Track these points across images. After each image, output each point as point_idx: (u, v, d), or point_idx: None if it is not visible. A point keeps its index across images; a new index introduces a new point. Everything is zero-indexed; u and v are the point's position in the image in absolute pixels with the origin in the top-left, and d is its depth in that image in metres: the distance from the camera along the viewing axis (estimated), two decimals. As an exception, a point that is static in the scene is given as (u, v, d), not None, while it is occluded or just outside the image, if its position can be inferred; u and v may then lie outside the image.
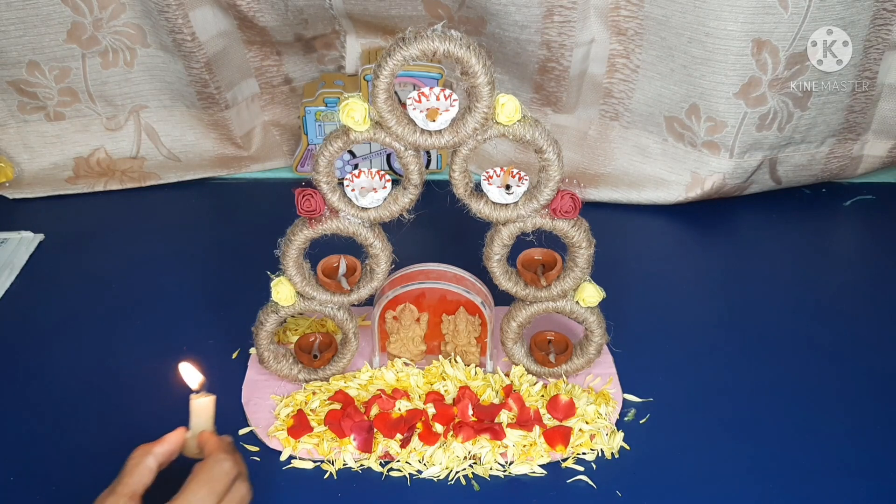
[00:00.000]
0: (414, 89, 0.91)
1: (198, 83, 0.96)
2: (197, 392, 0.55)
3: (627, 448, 0.63)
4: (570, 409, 0.65)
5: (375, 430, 0.63)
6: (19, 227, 0.92)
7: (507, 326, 0.67)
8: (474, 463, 0.62)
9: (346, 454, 0.62)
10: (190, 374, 0.56)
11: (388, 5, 0.92)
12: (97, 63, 0.95)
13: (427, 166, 1.02)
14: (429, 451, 0.62)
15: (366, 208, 0.60)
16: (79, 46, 0.93)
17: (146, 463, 0.52)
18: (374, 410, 0.64)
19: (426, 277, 0.67)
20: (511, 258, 0.65)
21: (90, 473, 0.61)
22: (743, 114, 0.87)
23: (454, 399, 0.66)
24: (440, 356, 0.70)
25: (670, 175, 0.95)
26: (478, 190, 0.61)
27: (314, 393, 0.67)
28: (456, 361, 0.69)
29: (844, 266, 0.89)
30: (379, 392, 0.66)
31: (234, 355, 0.73)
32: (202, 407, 0.54)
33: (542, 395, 0.67)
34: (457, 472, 0.61)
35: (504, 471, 0.61)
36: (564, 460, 0.62)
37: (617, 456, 0.63)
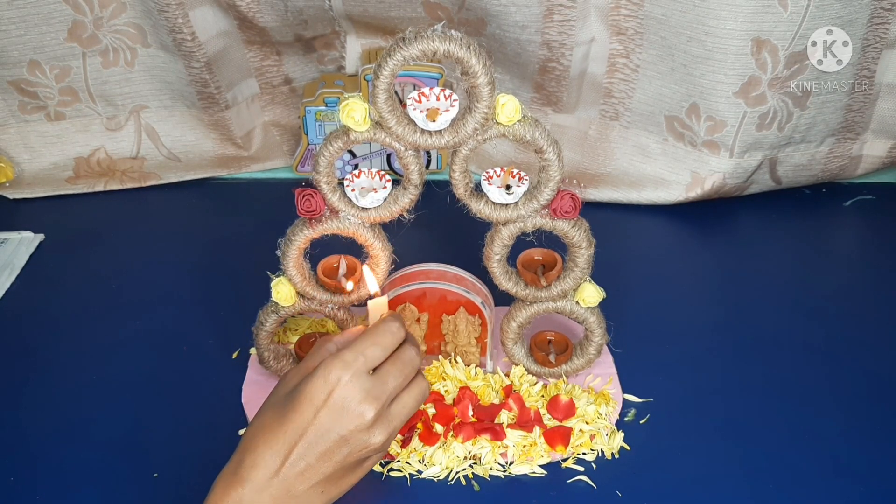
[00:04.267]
0: (414, 89, 0.91)
1: (198, 83, 0.96)
2: (372, 297, 0.57)
3: (627, 448, 0.63)
4: (570, 410, 0.65)
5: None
6: (19, 227, 0.92)
7: (508, 327, 0.67)
8: (474, 463, 0.62)
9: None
10: (370, 279, 0.59)
11: (388, 7, 0.92)
12: (97, 62, 0.95)
13: (427, 166, 1.02)
14: (429, 452, 0.62)
15: (366, 208, 0.60)
16: (79, 45, 0.93)
17: (327, 347, 0.55)
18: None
19: (426, 277, 0.67)
20: (511, 258, 0.65)
21: (90, 474, 0.62)
22: (743, 113, 0.87)
23: (454, 399, 0.66)
24: (440, 356, 0.71)
25: (670, 175, 0.95)
26: (478, 190, 0.61)
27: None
28: (456, 361, 0.69)
29: (845, 266, 0.89)
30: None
31: (235, 355, 0.73)
32: (379, 306, 0.56)
33: (543, 396, 0.67)
34: (457, 473, 0.61)
35: (504, 471, 0.61)
36: (564, 460, 0.62)
37: (617, 456, 0.63)
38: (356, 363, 0.51)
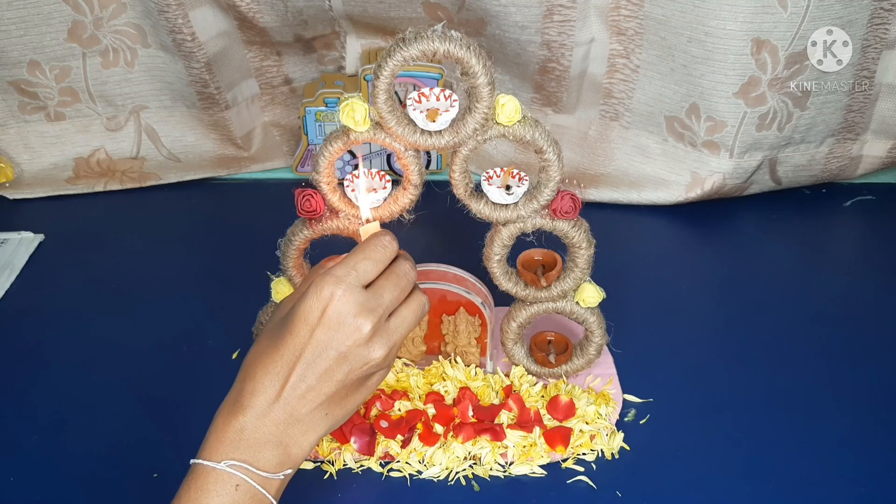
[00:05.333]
0: (414, 89, 0.91)
1: (198, 83, 0.96)
2: (364, 223, 0.56)
3: (627, 448, 0.63)
4: (570, 410, 0.65)
5: (377, 432, 0.63)
6: (19, 228, 0.92)
7: (508, 327, 0.67)
8: (474, 463, 0.62)
9: (346, 454, 0.62)
10: (363, 202, 0.57)
11: (388, 7, 0.92)
12: (97, 63, 0.95)
13: (427, 166, 1.02)
14: (429, 452, 0.62)
15: (366, 209, 0.60)
16: (79, 45, 0.93)
17: (317, 269, 0.54)
18: (374, 411, 0.65)
19: (426, 278, 0.67)
20: (511, 258, 0.65)
21: (90, 474, 0.62)
22: (743, 113, 0.87)
23: (454, 399, 0.66)
24: (440, 356, 0.70)
25: (670, 175, 0.95)
26: (478, 190, 0.61)
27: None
28: (456, 362, 0.69)
29: (845, 266, 0.89)
30: (379, 392, 0.66)
31: (234, 355, 0.73)
32: (369, 230, 0.55)
33: (543, 396, 0.67)
34: (457, 473, 0.61)
35: (504, 471, 0.61)
36: (564, 461, 0.62)
37: (617, 456, 0.63)
38: (348, 277, 0.49)
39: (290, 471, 0.49)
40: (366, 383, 0.52)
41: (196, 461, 0.48)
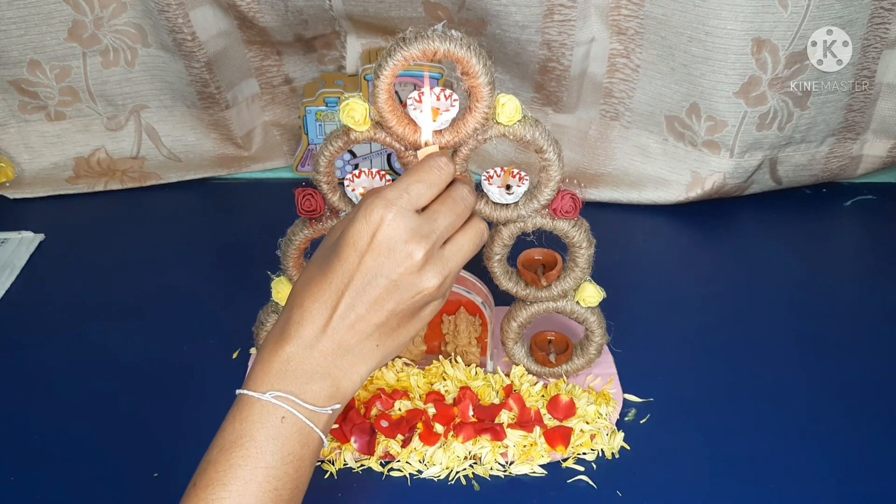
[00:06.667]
0: (414, 89, 0.91)
1: (198, 83, 0.96)
2: (423, 146, 0.54)
3: (628, 448, 0.63)
4: (570, 410, 0.65)
5: (377, 432, 0.63)
6: (20, 227, 0.92)
7: (508, 326, 0.67)
8: (475, 463, 0.62)
9: (346, 454, 0.62)
10: (426, 122, 0.54)
11: (388, 7, 0.92)
12: (98, 62, 0.95)
13: (427, 166, 1.02)
14: (429, 452, 0.62)
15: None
16: (79, 45, 0.93)
17: (368, 193, 0.50)
18: (374, 411, 0.65)
19: (426, 277, 0.67)
20: (511, 258, 0.65)
21: (90, 474, 0.62)
22: (743, 113, 0.87)
23: (454, 399, 0.66)
24: (440, 356, 0.70)
25: (671, 175, 0.95)
26: (478, 190, 0.61)
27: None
28: (456, 361, 0.69)
29: (845, 266, 0.89)
30: (379, 392, 0.66)
31: (235, 355, 0.73)
32: (428, 153, 0.53)
33: (543, 396, 0.67)
34: (457, 472, 0.61)
35: (504, 471, 0.61)
36: (565, 460, 0.62)
37: (617, 456, 0.63)
38: (399, 200, 0.46)
39: (338, 405, 0.47)
40: (419, 314, 0.49)
41: (241, 391, 0.46)
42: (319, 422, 0.46)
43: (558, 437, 0.63)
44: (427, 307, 0.49)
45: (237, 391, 0.46)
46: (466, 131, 0.56)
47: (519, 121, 0.56)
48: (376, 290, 0.46)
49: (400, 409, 0.65)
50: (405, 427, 0.63)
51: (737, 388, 0.70)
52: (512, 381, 0.68)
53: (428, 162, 0.49)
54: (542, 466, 0.62)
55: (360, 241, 0.46)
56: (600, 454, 0.63)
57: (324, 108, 0.97)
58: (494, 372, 0.69)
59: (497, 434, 0.63)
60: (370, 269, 0.46)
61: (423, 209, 0.48)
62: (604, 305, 0.66)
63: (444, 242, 0.48)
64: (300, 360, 0.46)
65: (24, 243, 0.89)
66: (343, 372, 0.47)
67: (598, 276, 0.65)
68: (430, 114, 0.54)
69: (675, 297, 0.82)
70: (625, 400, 0.68)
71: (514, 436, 0.63)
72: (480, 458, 0.62)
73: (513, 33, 0.89)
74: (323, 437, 0.46)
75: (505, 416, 0.64)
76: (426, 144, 0.54)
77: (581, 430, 0.64)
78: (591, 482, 0.61)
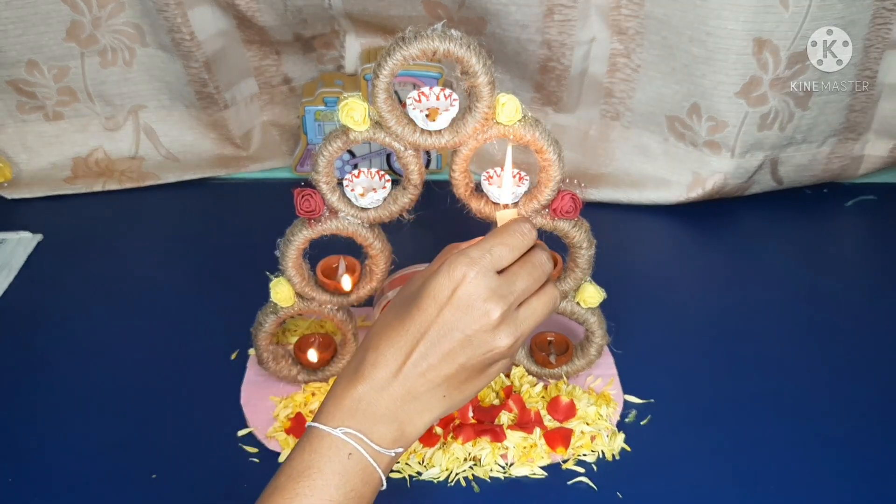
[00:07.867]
0: (414, 89, 0.91)
1: (197, 83, 0.96)
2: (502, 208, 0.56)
3: (628, 449, 0.63)
4: (570, 411, 0.65)
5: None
6: (18, 228, 0.91)
7: (508, 327, 0.67)
8: (474, 464, 0.62)
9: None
10: (507, 187, 0.56)
11: (388, 6, 0.92)
12: (96, 62, 0.95)
13: (427, 166, 1.02)
14: (429, 453, 0.62)
15: (365, 208, 0.60)
16: (78, 45, 0.93)
17: (451, 249, 0.52)
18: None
19: (426, 278, 0.67)
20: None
21: (89, 474, 0.61)
22: (744, 113, 0.87)
23: (454, 400, 0.66)
24: (440, 357, 0.70)
25: (671, 175, 0.95)
26: (478, 190, 0.61)
27: (313, 394, 0.67)
28: (456, 362, 0.69)
29: (846, 266, 0.88)
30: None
31: (234, 356, 0.73)
32: (508, 217, 0.54)
33: (543, 397, 0.67)
34: (457, 474, 0.61)
35: (504, 472, 0.61)
36: (565, 462, 0.62)
37: (618, 457, 0.63)
38: (483, 260, 0.48)
39: (401, 449, 0.48)
40: (487, 370, 0.50)
41: (312, 424, 0.47)
42: (382, 462, 0.47)
43: (558, 438, 0.62)
44: (495, 365, 0.50)
45: (307, 423, 0.48)
46: (466, 131, 0.56)
47: (519, 120, 0.56)
48: (450, 342, 0.48)
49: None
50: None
51: (737, 389, 0.69)
52: (512, 382, 0.68)
53: (512, 226, 0.51)
54: (543, 468, 0.61)
55: (441, 294, 0.48)
56: (601, 456, 0.62)
57: (323, 107, 0.97)
58: (494, 373, 0.69)
59: (497, 435, 0.62)
60: (447, 323, 0.48)
61: (503, 270, 0.49)
62: (604, 306, 0.66)
63: (519, 305, 0.50)
64: (371, 401, 0.47)
65: (21, 243, 0.89)
66: (409, 417, 0.48)
67: (598, 276, 0.65)
68: (511, 179, 0.56)
69: (675, 297, 0.82)
70: (625, 401, 0.68)
71: (514, 437, 0.63)
72: (480, 460, 0.62)
73: (513, 32, 0.89)
74: (384, 478, 0.48)
75: (505, 418, 0.64)
76: (504, 207, 0.56)
77: (581, 432, 0.63)
78: (591, 484, 0.60)
